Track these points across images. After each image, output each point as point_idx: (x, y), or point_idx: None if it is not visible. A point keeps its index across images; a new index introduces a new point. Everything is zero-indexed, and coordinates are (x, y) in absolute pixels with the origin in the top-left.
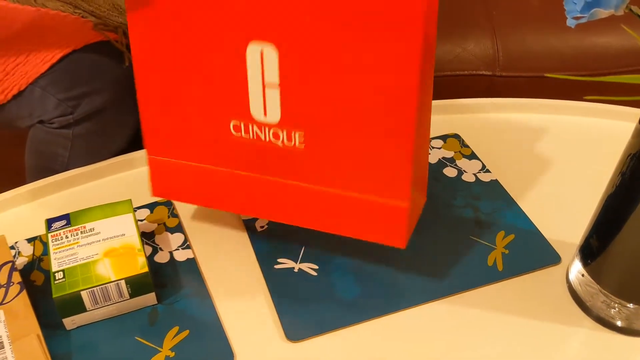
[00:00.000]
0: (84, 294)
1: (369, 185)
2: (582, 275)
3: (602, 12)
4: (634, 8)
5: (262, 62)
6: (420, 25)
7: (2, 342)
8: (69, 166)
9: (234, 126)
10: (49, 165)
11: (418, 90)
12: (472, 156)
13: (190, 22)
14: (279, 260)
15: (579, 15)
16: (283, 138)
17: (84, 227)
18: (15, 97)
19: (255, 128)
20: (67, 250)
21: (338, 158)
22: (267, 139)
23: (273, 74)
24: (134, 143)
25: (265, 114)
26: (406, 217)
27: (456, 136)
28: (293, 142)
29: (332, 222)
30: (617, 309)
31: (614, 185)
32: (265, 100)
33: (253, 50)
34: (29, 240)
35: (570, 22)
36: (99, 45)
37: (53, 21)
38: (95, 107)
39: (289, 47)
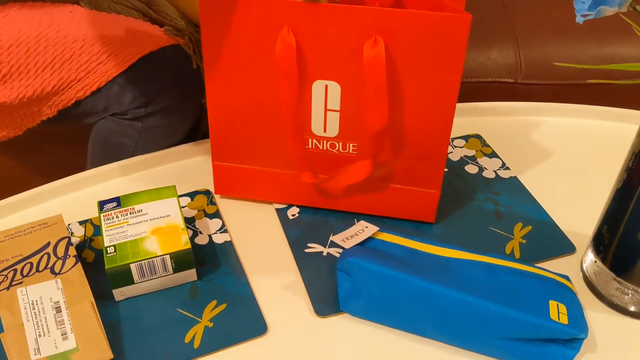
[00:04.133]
0: (132, 267)
1: (410, 179)
2: (596, 263)
3: (608, 10)
4: (639, 7)
5: (326, 93)
6: (459, 71)
7: (59, 307)
8: (134, 155)
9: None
10: (114, 154)
11: (452, 116)
12: (493, 155)
13: (264, 56)
14: (309, 244)
15: (586, 13)
16: (339, 148)
17: (133, 208)
18: (93, 93)
19: (314, 141)
20: (117, 228)
21: (384, 160)
22: (325, 148)
23: (335, 103)
24: (190, 136)
25: (325, 130)
26: (437, 200)
27: (478, 136)
28: (347, 150)
29: (378, 206)
30: (630, 295)
31: (621, 180)
32: (326, 121)
33: (319, 85)
34: (81, 222)
35: (579, 19)
36: (170, 48)
37: (130, 25)
38: (166, 103)
39: (349, 85)
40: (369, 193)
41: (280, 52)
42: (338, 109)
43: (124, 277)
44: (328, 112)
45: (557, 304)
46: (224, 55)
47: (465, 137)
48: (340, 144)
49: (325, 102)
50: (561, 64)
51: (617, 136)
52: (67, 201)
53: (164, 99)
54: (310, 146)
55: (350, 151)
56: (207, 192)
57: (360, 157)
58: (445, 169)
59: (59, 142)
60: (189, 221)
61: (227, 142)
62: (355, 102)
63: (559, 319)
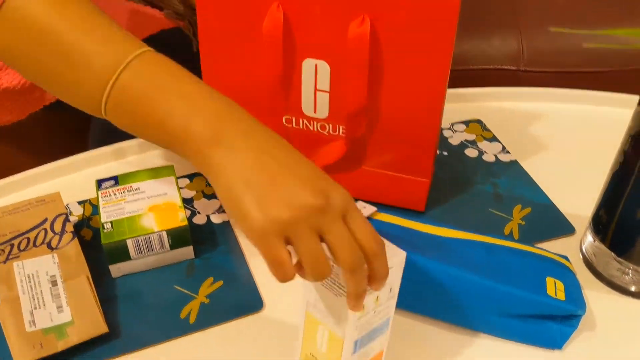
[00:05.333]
0: (129, 242)
1: (399, 166)
2: (595, 243)
3: None
4: None
5: (315, 73)
6: (449, 56)
7: (55, 281)
8: (135, 137)
9: (286, 119)
10: (114, 137)
11: (443, 104)
12: (493, 139)
13: (255, 35)
14: None
15: None
16: (329, 130)
17: (131, 186)
18: None
19: (305, 122)
20: (115, 205)
21: (374, 143)
22: (315, 129)
23: (325, 83)
24: None
25: (315, 111)
26: (427, 189)
27: (478, 121)
28: (337, 132)
29: (369, 193)
30: (631, 275)
31: (618, 162)
32: (315, 102)
33: (308, 64)
34: (80, 202)
35: None
36: (170, 32)
37: (130, 8)
38: None
39: (338, 66)
40: (360, 179)
41: (267, 27)
42: (327, 89)
43: (121, 253)
44: (318, 93)
45: (555, 281)
46: (218, 33)
47: (466, 122)
48: (330, 125)
49: (315, 82)
50: (556, 28)
51: (615, 121)
52: (66, 182)
53: None
54: (301, 126)
55: (340, 133)
56: None
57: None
58: (445, 153)
59: (62, 132)
60: (187, 202)
61: None
62: (344, 83)
63: (556, 296)
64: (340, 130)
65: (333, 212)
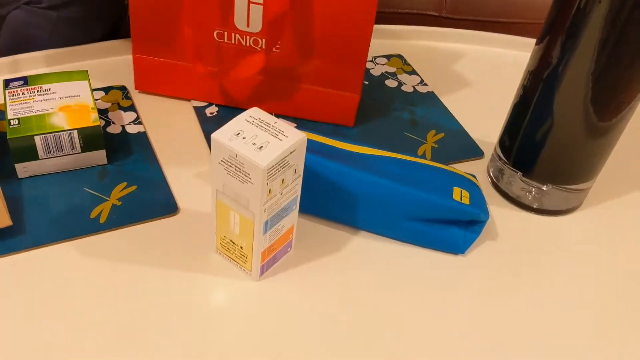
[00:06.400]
0: (37, 139)
1: (331, 82)
2: (500, 161)
3: None
4: None
5: None
6: None
7: None
8: (47, 49)
9: (217, 34)
10: (26, 47)
11: (374, 18)
12: (412, 72)
13: None
14: None
15: None
16: (262, 45)
17: (41, 87)
18: None
19: (237, 36)
20: (23, 103)
21: (307, 61)
22: (248, 44)
23: None
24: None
25: (248, 25)
26: (357, 104)
27: (399, 56)
28: (270, 48)
29: (298, 108)
30: (534, 192)
31: (519, 95)
32: (249, 15)
33: None
34: None
35: None
36: None
37: None
38: None
39: None
40: (289, 94)
41: None
42: (261, 1)
43: (28, 151)
44: (251, 5)
45: (461, 190)
46: None
47: (387, 56)
48: (264, 40)
49: None
50: None
51: (520, 62)
52: None
53: None
54: (233, 41)
55: (274, 49)
56: (122, 88)
57: (284, 56)
58: (366, 82)
59: None
60: (102, 112)
61: (148, 33)
62: None
63: (461, 201)
64: (274, 46)
65: None
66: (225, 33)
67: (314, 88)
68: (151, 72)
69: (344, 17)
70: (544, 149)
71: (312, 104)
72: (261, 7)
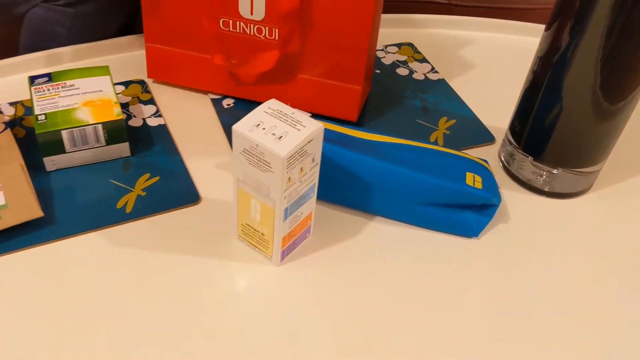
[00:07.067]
0: (64, 134)
1: (333, 74)
2: (511, 149)
3: None
4: None
5: None
6: None
7: None
8: (66, 45)
9: (223, 22)
10: (46, 44)
11: (374, 9)
12: (423, 60)
13: None
14: None
15: None
16: (265, 33)
17: (65, 83)
18: None
19: (242, 24)
20: (49, 99)
21: (309, 51)
22: (252, 33)
23: None
24: (125, 32)
25: (252, 13)
26: (359, 97)
27: (410, 44)
28: (273, 36)
29: (304, 102)
30: (545, 176)
31: (528, 80)
32: (252, 2)
33: None
34: (11, 103)
35: None
36: None
37: None
38: None
39: None
40: (297, 88)
41: None
42: None
43: (55, 145)
44: None
45: (474, 175)
46: None
47: (398, 45)
48: (267, 29)
49: None
50: None
51: (530, 48)
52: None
53: None
54: (237, 30)
55: (276, 38)
56: (141, 82)
57: (285, 46)
58: (377, 71)
59: None
60: (123, 106)
61: (160, 23)
62: None
63: (474, 186)
64: (276, 34)
65: None
66: (231, 21)
67: (317, 79)
68: (163, 61)
69: (344, 8)
70: (554, 133)
71: (316, 96)
72: None
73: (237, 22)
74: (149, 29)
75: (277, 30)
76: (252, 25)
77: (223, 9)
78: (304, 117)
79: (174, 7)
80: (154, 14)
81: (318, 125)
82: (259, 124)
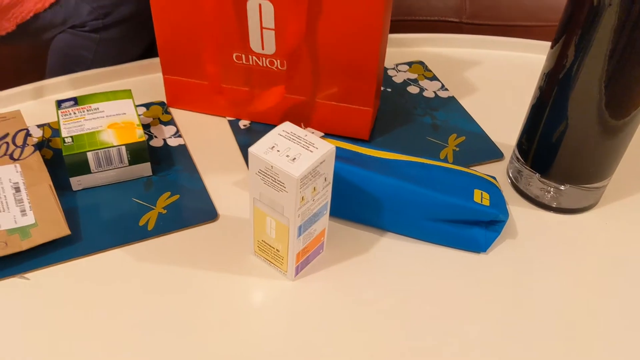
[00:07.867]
0: (89, 155)
1: (344, 97)
2: (519, 163)
3: None
4: None
5: (260, 12)
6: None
7: (19, 187)
8: (91, 68)
9: (236, 56)
10: (72, 67)
11: (381, 36)
12: (434, 78)
13: None
14: None
15: None
16: (277, 65)
17: (90, 106)
18: (52, 5)
19: (254, 58)
20: (75, 122)
21: (320, 77)
22: (265, 65)
23: (269, 21)
24: (147, 54)
25: (262, 48)
26: (370, 118)
27: (421, 63)
28: (285, 67)
29: (317, 124)
30: (552, 192)
31: (536, 97)
32: (262, 39)
33: (253, 4)
34: (39, 125)
35: None
36: None
37: None
38: (123, 15)
39: (282, 4)
40: (309, 111)
41: None
42: (273, 27)
43: (81, 166)
44: (264, 31)
45: (482, 192)
46: None
47: (409, 63)
48: (278, 61)
49: (260, 21)
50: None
51: (538, 65)
52: (22, 108)
53: (121, 10)
54: (251, 63)
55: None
56: (162, 104)
57: (298, 74)
58: (389, 89)
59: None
60: (145, 127)
61: (175, 56)
62: (288, 20)
63: (481, 202)
64: (288, 65)
65: None
66: (243, 55)
67: (329, 103)
68: (180, 90)
69: (352, 37)
70: (561, 150)
71: (328, 118)
72: (273, 31)
73: (250, 56)
74: (165, 62)
75: (287, 62)
76: (264, 59)
77: (235, 44)
78: (316, 139)
79: (186, 43)
80: (168, 49)
81: (330, 147)
82: (273, 146)
